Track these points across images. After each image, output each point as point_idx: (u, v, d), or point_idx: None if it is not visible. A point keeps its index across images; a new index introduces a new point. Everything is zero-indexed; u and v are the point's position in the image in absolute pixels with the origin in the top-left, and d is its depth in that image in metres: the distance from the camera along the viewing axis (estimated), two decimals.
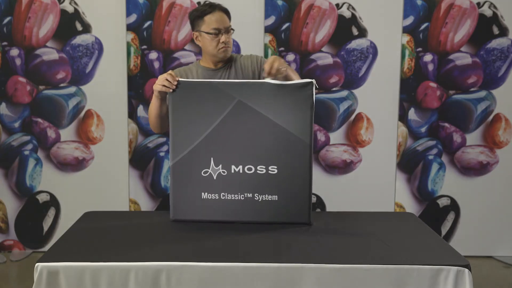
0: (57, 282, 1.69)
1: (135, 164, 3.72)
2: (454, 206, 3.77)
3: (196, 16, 2.37)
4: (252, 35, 3.58)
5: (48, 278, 1.68)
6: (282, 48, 3.63)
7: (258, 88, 2.07)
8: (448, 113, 3.69)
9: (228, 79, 2.38)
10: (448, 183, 3.75)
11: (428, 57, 3.65)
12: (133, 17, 3.59)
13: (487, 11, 3.59)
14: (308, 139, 2.07)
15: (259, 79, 2.37)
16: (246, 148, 2.08)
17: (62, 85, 3.66)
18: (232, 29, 2.38)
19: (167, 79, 2.09)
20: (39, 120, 3.68)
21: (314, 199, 3.75)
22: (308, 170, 2.08)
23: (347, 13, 3.61)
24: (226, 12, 2.37)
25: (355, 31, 3.62)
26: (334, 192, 3.73)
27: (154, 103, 2.29)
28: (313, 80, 2.04)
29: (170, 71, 2.17)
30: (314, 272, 1.70)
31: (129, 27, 3.59)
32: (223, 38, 2.33)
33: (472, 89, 3.67)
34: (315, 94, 2.06)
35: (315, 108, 2.07)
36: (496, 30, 3.62)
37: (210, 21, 2.32)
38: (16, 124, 3.68)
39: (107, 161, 3.72)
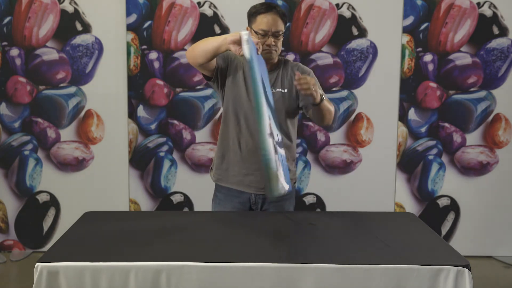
0: (57, 282, 1.69)
1: (135, 164, 3.72)
2: (454, 206, 3.77)
3: (251, 12, 2.37)
4: None
5: (48, 278, 1.68)
6: (282, 48, 3.61)
7: None
8: (448, 113, 3.69)
9: (275, 82, 2.37)
10: (448, 183, 3.75)
11: (428, 57, 3.65)
12: (133, 17, 3.59)
13: (487, 11, 3.59)
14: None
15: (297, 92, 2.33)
16: None
17: (62, 85, 3.66)
18: (282, 34, 2.35)
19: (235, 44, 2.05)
20: (39, 120, 3.68)
21: (314, 199, 3.75)
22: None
23: (347, 13, 3.60)
24: (281, 15, 2.33)
25: (355, 31, 3.62)
26: (334, 192, 3.73)
27: (213, 45, 2.16)
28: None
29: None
30: (314, 272, 1.70)
31: (129, 27, 3.59)
32: (268, 41, 2.31)
33: (472, 89, 3.67)
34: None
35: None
36: (496, 30, 3.62)
37: (261, 22, 2.31)
38: (16, 124, 3.68)
39: (107, 161, 3.71)
